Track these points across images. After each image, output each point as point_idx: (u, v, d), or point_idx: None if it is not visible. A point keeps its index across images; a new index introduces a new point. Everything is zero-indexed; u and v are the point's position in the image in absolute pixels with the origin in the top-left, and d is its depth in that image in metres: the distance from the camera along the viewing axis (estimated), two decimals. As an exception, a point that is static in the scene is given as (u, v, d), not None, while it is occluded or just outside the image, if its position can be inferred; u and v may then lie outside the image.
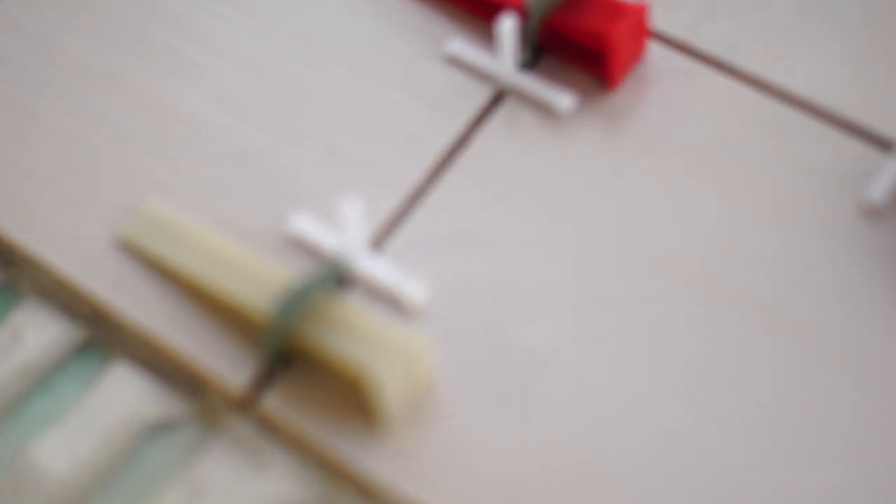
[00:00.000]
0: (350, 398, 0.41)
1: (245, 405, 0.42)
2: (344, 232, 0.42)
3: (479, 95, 0.47)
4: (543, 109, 0.46)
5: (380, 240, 0.44)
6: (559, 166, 0.45)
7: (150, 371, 0.43)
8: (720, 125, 0.46)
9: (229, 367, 0.42)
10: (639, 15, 0.45)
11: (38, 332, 0.43)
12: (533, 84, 0.46)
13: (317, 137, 0.46)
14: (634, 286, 0.43)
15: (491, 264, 0.43)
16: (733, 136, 0.45)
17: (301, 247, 0.44)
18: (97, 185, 0.46)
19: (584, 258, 0.43)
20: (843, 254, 0.43)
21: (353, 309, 0.41)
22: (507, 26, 0.45)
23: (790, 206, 0.44)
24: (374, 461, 0.40)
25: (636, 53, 0.47)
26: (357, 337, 0.40)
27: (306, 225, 0.44)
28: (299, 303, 0.41)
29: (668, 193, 0.44)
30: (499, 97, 0.47)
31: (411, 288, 0.42)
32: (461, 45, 0.47)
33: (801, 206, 0.44)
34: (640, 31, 0.46)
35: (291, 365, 0.42)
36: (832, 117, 0.46)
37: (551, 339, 0.42)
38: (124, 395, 0.42)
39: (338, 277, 0.42)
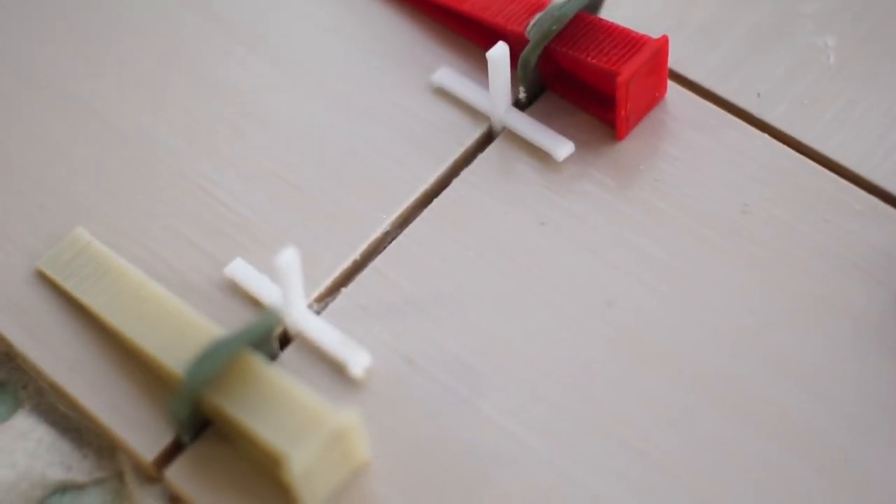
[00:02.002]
0: (268, 477, 0.36)
1: (155, 476, 0.37)
2: (280, 286, 0.36)
3: (466, 134, 0.41)
4: (538, 155, 0.40)
5: (327, 295, 0.38)
6: (550, 225, 0.39)
7: (58, 424, 0.38)
8: (746, 189, 0.39)
9: (142, 432, 0.37)
10: (658, 51, 0.39)
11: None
12: (528, 125, 0.40)
13: (277, 173, 0.41)
14: (627, 380, 0.36)
15: (454, 336, 0.37)
16: (761, 204, 0.39)
17: (242, 298, 0.38)
18: (22, 207, 0.41)
19: (570, 340, 0.37)
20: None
21: (277, 376, 0.35)
22: (498, 55, 0.39)
23: (827, 296, 0.37)
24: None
25: (653, 97, 0.40)
26: (279, 412, 0.35)
27: (245, 272, 0.38)
28: (213, 365, 0.35)
29: (678, 269, 0.38)
30: (488, 137, 0.41)
31: (354, 355, 0.37)
32: (449, 75, 0.41)
33: (840, 297, 0.37)
34: (659, 70, 0.40)
35: (204, 432, 0.36)
36: (881, 192, 0.39)
37: (517, 434, 0.36)
38: (26, 447, 0.38)
39: (266, 338, 0.36)
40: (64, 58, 0.43)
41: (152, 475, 0.36)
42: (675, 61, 0.41)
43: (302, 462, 0.34)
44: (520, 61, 0.39)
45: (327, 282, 0.38)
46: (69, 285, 0.38)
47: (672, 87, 0.41)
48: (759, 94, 0.41)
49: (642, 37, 0.39)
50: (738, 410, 0.36)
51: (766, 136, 0.40)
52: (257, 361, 0.35)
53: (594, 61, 0.39)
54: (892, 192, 0.39)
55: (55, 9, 0.44)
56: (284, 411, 0.34)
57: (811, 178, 0.39)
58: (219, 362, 0.35)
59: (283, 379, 0.35)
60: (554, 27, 0.39)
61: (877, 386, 0.36)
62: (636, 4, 0.42)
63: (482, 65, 0.41)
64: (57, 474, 0.37)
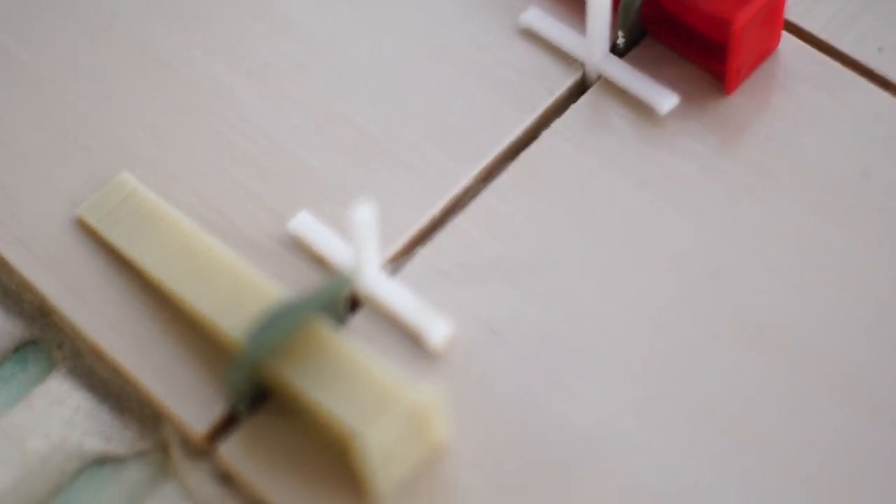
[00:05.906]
0: (333, 457, 0.32)
1: (205, 450, 0.33)
2: (353, 245, 0.33)
3: (557, 82, 0.37)
4: (637, 107, 0.37)
5: (402, 256, 0.35)
6: (647, 184, 0.35)
7: (97, 390, 0.35)
8: (867, 152, 0.36)
9: (192, 401, 0.34)
10: (775, -2, 0.35)
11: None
12: (627, 73, 0.37)
13: (348, 118, 0.37)
14: (732, 362, 0.33)
15: (542, 305, 0.34)
16: (885, 169, 0.36)
17: (307, 255, 0.35)
18: (65, 148, 0.37)
19: (670, 315, 0.34)
20: None
21: (349, 347, 0.32)
22: (599, -5, 0.35)
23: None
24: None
25: (765, 48, 0.37)
26: (350, 386, 0.31)
27: (311, 228, 0.35)
28: (278, 332, 0.31)
29: (791, 239, 0.35)
30: (581, 86, 0.37)
31: (433, 323, 0.33)
32: (539, 16, 0.38)
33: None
34: (774, 18, 0.36)
35: (262, 404, 0.33)
36: None
37: (609, 414, 0.33)
38: (61, 414, 0.35)
39: (335, 302, 0.33)
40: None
41: (201, 449, 0.33)
42: (788, 8, 0.38)
43: (375, 443, 0.30)
44: (621, 4, 0.36)
45: (402, 241, 0.35)
46: (113, 236, 0.35)
47: (785, 38, 0.37)
48: (880, 49, 0.37)
49: (758, -19, 0.35)
50: (855, 400, 0.32)
51: (888, 94, 0.36)
52: (326, 329, 0.32)
53: (704, 6, 0.35)
54: None
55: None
56: (356, 386, 0.31)
57: (939, 142, 0.36)
58: (284, 329, 0.31)
59: (355, 349, 0.32)
60: (662, -34, 0.35)
61: None
62: (747, -56, 0.39)
63: (575, 4, 0.38)
64: (95, 445, 0.34)
